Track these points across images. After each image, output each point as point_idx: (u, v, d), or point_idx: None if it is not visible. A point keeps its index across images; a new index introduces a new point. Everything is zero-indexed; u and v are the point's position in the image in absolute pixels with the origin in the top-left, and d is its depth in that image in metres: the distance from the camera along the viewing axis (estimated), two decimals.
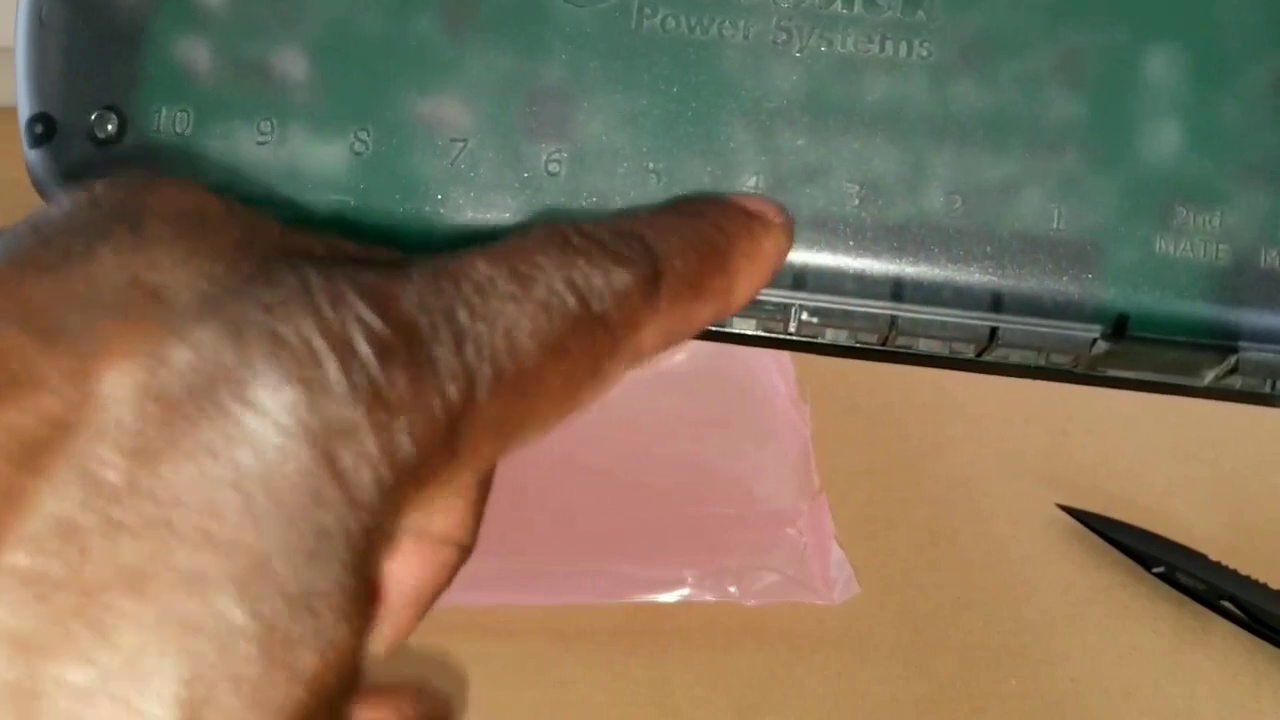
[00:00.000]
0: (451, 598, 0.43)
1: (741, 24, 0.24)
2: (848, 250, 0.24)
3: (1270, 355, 0.23)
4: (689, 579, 0.43)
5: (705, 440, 0.47)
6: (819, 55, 0.24)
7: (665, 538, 0.44)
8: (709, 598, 0.43)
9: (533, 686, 0.41)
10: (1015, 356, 0.24)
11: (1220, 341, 0.23)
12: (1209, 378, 0.24)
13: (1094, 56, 0.24)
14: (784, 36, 0.24)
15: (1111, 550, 0.45)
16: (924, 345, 0.24)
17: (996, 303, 0.23)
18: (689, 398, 0.48)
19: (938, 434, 0.49)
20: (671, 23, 0.24)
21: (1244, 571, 0.43)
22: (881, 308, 0.24)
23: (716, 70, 0.24)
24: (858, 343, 0.25)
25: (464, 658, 0.41)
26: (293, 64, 0.24)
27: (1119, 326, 0.23)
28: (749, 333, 0.25)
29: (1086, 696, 0.41)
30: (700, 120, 0.24)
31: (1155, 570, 0.44)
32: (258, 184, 0.24)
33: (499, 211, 0.24)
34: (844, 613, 0.43)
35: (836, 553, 0.44)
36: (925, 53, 0.24)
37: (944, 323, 0.24)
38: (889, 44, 0.24)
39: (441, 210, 0.24)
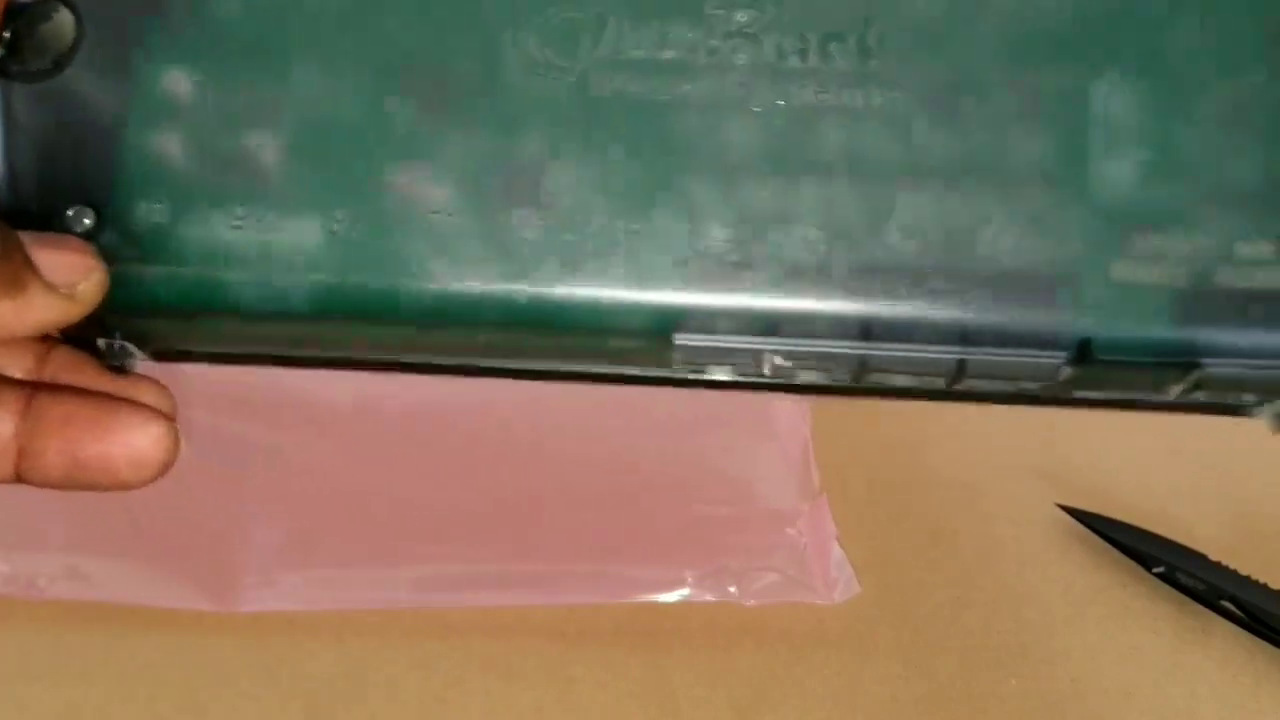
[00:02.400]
0: (451, 598, 0.43)
1: (701, 83, 0.24)
2: (816, 294, 0.24)
3: (1232, 369, 0.24)
4: (689, 579, 0.43)
5: (705, 440, 0.47)
6: (777, 109, 0.24)
7: (665, 538, 0.44)
8: (709, 598, 0.43)
9: (533, 686, 0.41)
10: (984, 385, 0.25)
11: (1183, 359, 0.24)
12: (1175, 393, 0.25)
13: (1048, 92, 0.24)
14: (742, 93, 0.24)
15: (1111, 550, 0.45)
16: (897, 380, 0.25)
17: (964, 336, 0.24)
18: (689, 397, 0.47)
19: (938, 434, 0.49)
20: (634, 86, 0.24)
21: (1244, 571, 0.43)
22: (852, 348, 0.24)
23: (680, 129, 0.24)
24: (832, 381, 0.25)
25: (464, 658, 0.41)
26: (265, 149, 0.24)
27: (1083, 352, 0.24)
28: (724, 378, 0.25)
29: (1086, 696, 0.41)
30: (667, 178, 0.24)
31: (1155, 570, 0.44)
32: (236, 267, 0.24)
33: (478, 279, 0.24)
34: (844, 613, 0.43)
35: (836, 553, 0.44)
36: (880, 100, 0.24)
37: (913, 359, 0.24)
38: (844, 94, 0.24)
39: (420, 284, 0.24)
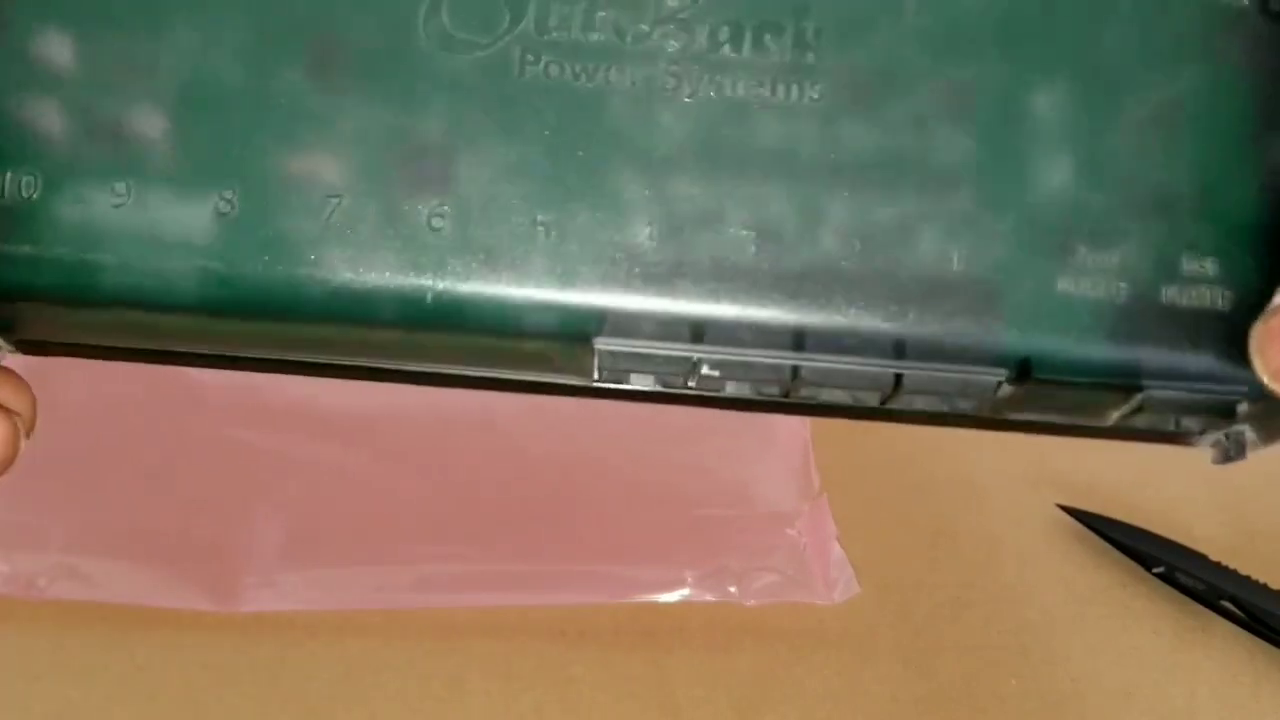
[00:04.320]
0: (452, 598, 0.43)
1: (629, 70, 0.23)
2: (746, 300, 0.23)
3: (1176, 393, 0.23)
4: (689, 579, 0.43)
5: (705, 441, 0.47)
6: (709, 101, 0.23)
7: (665, 538, 0.44)
8: (709, 598, 0.43)
9: (533, 686, 0.41)
10: (920, 403, 0.24)
11: (1125, 381, 0.23)
12: (1114, 418, 0.24)
13: (983, 94, 0.23)
14: (673, 82, 0.23)
15: (1111, 550, 0.45)
16: (827, 395, 0.24)
17: (899, 349, 0.23)
18: None
19: (938, 434, 0.49)
20: (556, 69, 0.23)
21: (1244, 571, 0.43)
22: (783, 358, 0.23)
23: (604, 118, 0.23)
24: (760, 395, 0.24)
25: (464, 658, 0.41)
26: (148, 122, 0.23)
27: (1023, 370, 0.23)
28: (647, 389, 0.24)
29: (1086, 696, 0.41)
30: (589, 169, 0.23)
31: (1155, 570, 0.44)
32: (115, 249, 0.22)
33: (380, 271, 0.23)
34: (844, 613, 0.43)
35: (836, 553, 0.44)
36: (816, 95, 0.23)
37: (848, 371, 0.23)
38: (779, 88, 0.23)
39: (317, 272, 0.22)
